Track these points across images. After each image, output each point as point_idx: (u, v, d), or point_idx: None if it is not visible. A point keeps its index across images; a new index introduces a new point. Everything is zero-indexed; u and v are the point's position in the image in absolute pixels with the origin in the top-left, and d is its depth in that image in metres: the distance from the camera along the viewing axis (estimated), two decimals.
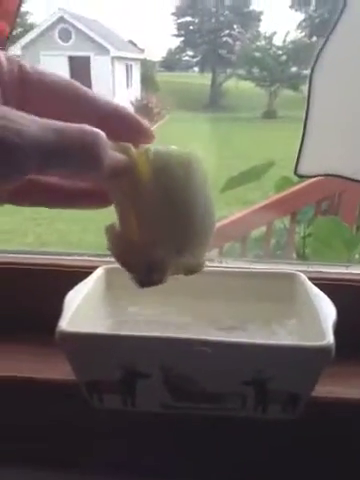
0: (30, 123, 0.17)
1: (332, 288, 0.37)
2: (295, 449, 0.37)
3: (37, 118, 0.17)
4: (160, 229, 0.22)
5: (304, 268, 0.42)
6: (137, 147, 0.22)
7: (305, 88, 0.40)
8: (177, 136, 5.29)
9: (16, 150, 0.16)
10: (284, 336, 0.35)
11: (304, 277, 0.38)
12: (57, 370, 0.37)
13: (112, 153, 0.20)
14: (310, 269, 0.42)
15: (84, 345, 0.31)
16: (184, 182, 0.22)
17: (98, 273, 0.39)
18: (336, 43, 0.41)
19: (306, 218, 1.99)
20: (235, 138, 5.04)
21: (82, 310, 0.34)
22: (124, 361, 0.31)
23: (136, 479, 0.39)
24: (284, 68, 6.47)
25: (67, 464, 0.40)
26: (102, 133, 0.19)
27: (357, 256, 1.45)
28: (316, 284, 0.37)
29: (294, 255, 1.66)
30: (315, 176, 0.38)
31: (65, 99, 0.21)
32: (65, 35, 5.01)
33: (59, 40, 5.03)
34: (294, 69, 6.41)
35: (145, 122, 0.23)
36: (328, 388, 0.35)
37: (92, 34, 5.08)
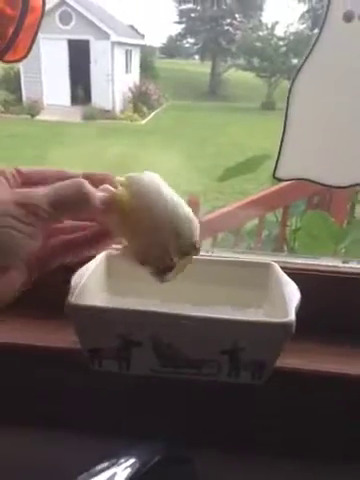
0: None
1: (301, 276, 0.43)
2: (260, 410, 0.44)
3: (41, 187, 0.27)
4: (155, 235, 0.30)
5: (281, 259, 0.48)
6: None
7: None
8: (175, 124, 5.31)
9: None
10: (256, 314, 0.42)
11: (277, 266, 0.44)
12: (57, 339, 0.43)
13: (97, 193, 0.28)
14: (285, 259, 0.48)
15: (89, 317, 0.37)
16: (157, 192, 0.30)
17: (101, 257, 0.45)
18: (317, 55, 0.46)
19: (298, 211, 2.05)
20: (233, 127, 5.07)
21: (87, 287, 0.40)
22: (121, 331, 0.38)
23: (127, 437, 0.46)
24: (285, 59, 6.45)
25: (66, 424, 0.45)
26: (86, 182, 0.28)
27: (343, 250, 1.50)
28: (288, 273, 0.43)
29: (285, 247, 1.72)
30: (291, 180, 0.43)
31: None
32: (66, 18, 4.96)
33: (59, 23, 4.99)
34: (295, 61, 6.41)
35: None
36: (290, 360, 0.42)
37: (93, 18, 5.04)
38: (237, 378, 0.39)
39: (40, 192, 0.26)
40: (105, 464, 0.25)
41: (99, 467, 0.25)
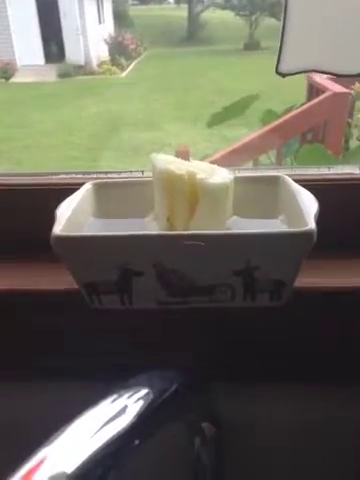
0: None
1: (315, 188, 0.38)
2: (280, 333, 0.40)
3: None
4: None
5: (288, 172, 0.43)
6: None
7: None
8: (156, 74, 5.08)
9: None
10: (271, 228, 0.37)
11: (287, 178, 0.39)
12: (53, 281, 0.39)
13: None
14: (294, 172, 0.43)
15: (79, 247, 0.33)
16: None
17: (86, 187, 0.40)
18: None
19: (291, 150, 1.99)
20: (216, 72, 4.87)
21: (73, 219, 0.35)
22: (118, 261, 0.33)
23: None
24: None
25: (70, 371, 0.42)
26: None
27: None
28: (300, 185, 0.38)
29: None
30: (297, 73, 0.38)
31: None
32: None
33: None
34: None
35: None
36: (309, 279, 0.38)
37: None
38: (253, 301, 0.35)
39: None
40: (113, 397, 0.21)
41: (105, 401, 0.21)
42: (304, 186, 0.37)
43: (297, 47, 0.38)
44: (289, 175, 0.40)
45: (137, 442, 0.22)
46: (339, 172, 0.43)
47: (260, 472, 0.44)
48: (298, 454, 0.45)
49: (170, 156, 0.38)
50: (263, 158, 1.88)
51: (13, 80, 5.02)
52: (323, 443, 0.44)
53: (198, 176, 0.35)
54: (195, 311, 0.36)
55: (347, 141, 2.00)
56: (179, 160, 0.37)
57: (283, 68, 0.38)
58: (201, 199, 0.35)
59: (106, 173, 0.45)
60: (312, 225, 0.32)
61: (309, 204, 0.35)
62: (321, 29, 0.38)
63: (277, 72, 0.38)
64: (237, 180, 0.39)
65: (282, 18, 0.39)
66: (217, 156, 1.63)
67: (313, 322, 0.40)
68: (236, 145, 1.69)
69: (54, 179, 0.44)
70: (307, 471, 0.45)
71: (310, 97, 2.21)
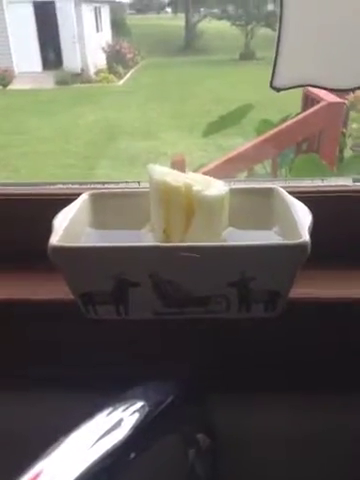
0: None
1: (309, 199, 0.39)
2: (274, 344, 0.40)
3: None
4: None
5: (282, 184, 0.44)
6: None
7: None
8: (153, 83, 5.12)
9: None
10: (265, 240, 0.37)
11: (282, 190, 0.40)
12: (50, 291, 0.39)
13: None
14: (288, 184, 0.44)
15: (75, 258, 0.33)
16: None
17: (83, 198, 0.40)
18: None
19: (287, 161, 2.01)
20: (213, 82, 4.90)
21: (70, 229, 0.35)
22: (114, 271, 0.33)
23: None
24: (260, 5, 6.21)
25: (67, 381, 0.42)
26: None
27: None
28: (294, 196, 0.38)
29: None
30: (292, 88, 0.38)
31: None
32: None
33: None
34: (271, 7, 6.16)
35: None
36: (304, 290, 0.38)
37: None
38: (248, 312, 0.35)
39: None
40: (108, 410, 0.22)
41: (101, 414, 0.21)
42: (298, 198, 0.38)
43: (292, 60, 0.38)
44: (283, 187, 0.40)
45: (133, 455, 0.22)
46: (333, 184, 0.43)
47: None
48: (295, 464, 0.45)
49: (166, 168, 0.38)
50: (258, 168, 1.89)
51: (11, 87, 5.03)
52: (320, 452, 0.44)
53: (194, 188, 0.35)
54: (191, 322, 0.37)
55: (341, 151, 2.02)
56: (176, 172, 0.38)
57: (278, 82, 0.38)
58: (197, 211, 0.35)
59: (103, 183, 0.45)
60: (306, 237, 0.32)
61: (303, 216, 0.35)
62: (317, 41, 0.39)
63: (271, 87, 0.38)
64: (232, 192, 0.39)
65: (277, 29, 0.39)
66: (211, 166, 1.64)
67: (309, 332, 0.40)
68: (231, 154, 1.70)
69: (51, 189, 0.45)
70: (308, 477, 0.45)
71: (305, 107, 2.23)
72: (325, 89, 0.39)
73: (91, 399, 0.35)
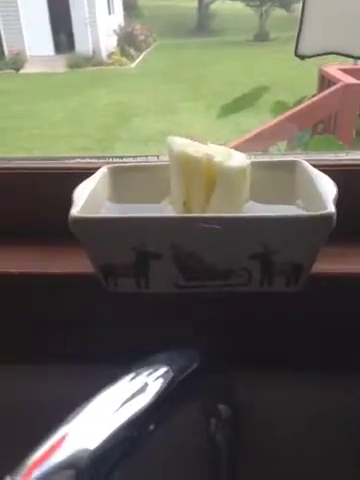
0: None
1: (333, 172, 0.38)
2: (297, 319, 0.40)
3: None
4: None
5: (304, 157, 0.43)
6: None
7: (297, 7, 0.38)
8: (166, 65, 5.05)
9: None
10: (288, 211, 0.36)
11: (305, 162, 0.39)
12: (68, 265, 0.39)
13: None
14: (310, 157, 0.43)
15: (96, 229, 0.33)
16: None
17: (102, 171, 0.40)
18: None
19: (301, 143, 1.97)
20: (227, 63, 4.82)
21: (90, 202, 0.35)
22: (135, 243, 0.33)
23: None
24: None
25: (83, 357, 0.42)
26: None
27: None
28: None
29: None
30: (316, 55, 0.37)
31: None
32: None
33: None
34: None
35: None
36: (327, 266, 0.37)
37: None
38: (270, 286, 0.35)
39: None
40: (131, 374, 0.21)
41: (125, 379, 0.21)
42: (321, 171, 0.37)
43: (317, 27, 0.37)
44: (306, 160, 0.39)
45: (157, 421, 0.22)
46: (358, 157, 0.42)
47: (276, 458, 0.44)
48: (315, 441, 0.44)
49: (186, 139, 0.38)
50: (273, 149, 1.86)
51: (23, 71, 5.02)
52: (340, 430, 0.43)
53: (216, 159, 0.34)
54: (212, 296, 0.36)
55: (358, 133, 1.98)
56: (196, 143, 0.37)
57: (302, 50, 0.37)
58: (218, 182, 0.35)
59: (121, 158, 0.44)
60: (332, 208, 0.31)
61: (328, 188, 0.34)
62: (341, 9, 0.37)
63: (296, 54, 0.37)
64: (253, 165, 0.39)
65: (302, 2, 0.38)
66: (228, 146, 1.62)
67: (331, 309, 0.40)
68: (247, 135, 1.68)
69: (69, 163, 0.44)
70: (327, 455, 0.45)
71: (321, 88, 2.18)
72: (350, 57, 0.38)
73: (110, 372, 0.35)
